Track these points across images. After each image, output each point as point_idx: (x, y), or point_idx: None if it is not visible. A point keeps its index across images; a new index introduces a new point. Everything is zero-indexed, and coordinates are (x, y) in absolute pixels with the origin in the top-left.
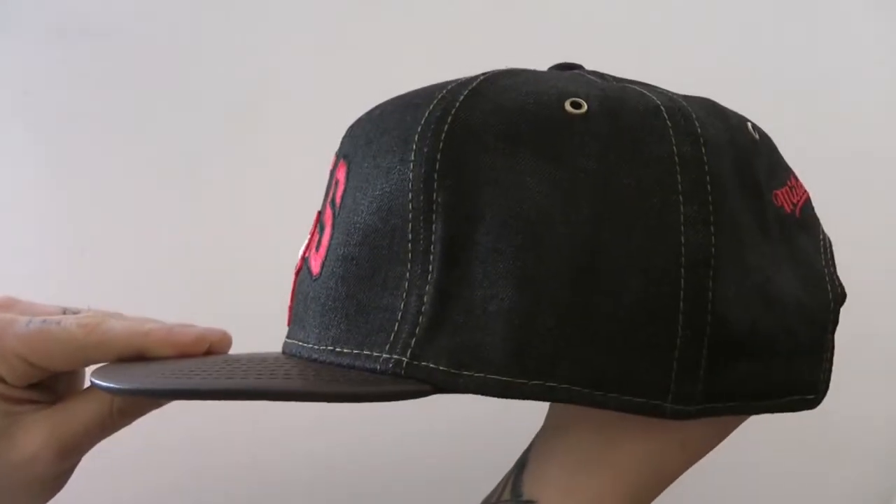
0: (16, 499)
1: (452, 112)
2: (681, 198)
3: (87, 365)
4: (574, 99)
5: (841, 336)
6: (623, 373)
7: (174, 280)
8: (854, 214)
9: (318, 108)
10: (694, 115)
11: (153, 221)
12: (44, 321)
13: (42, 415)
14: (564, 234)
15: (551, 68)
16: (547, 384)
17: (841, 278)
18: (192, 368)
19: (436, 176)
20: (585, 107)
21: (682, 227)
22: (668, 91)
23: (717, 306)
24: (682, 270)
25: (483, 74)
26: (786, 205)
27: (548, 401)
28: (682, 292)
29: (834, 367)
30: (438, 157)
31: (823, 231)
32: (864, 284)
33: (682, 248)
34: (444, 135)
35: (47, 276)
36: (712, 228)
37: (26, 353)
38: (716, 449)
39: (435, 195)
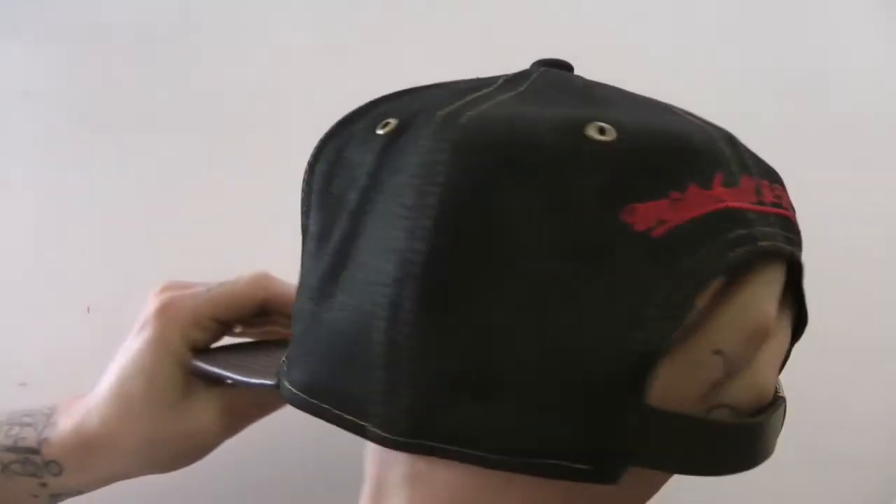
0: (174, 465)
1: None
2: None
3: (261, 314)
4: None
5: (841, 336)
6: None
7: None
8: (854, 214)
9: (319, 109)
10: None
11: (153, 221)
12: (220, 285)
13: (216, 390)
14: None
15: (534, 64)
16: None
17: (841, 278)
18: None
19: None
20: None
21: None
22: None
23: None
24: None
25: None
26: (641, 223)
27: None
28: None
29: (834, 368)
30: None
31: (714, 265)
32: (864, 285)
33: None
34: None
35: (47, 276)
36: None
37: (217, 313)
38: None
39: None
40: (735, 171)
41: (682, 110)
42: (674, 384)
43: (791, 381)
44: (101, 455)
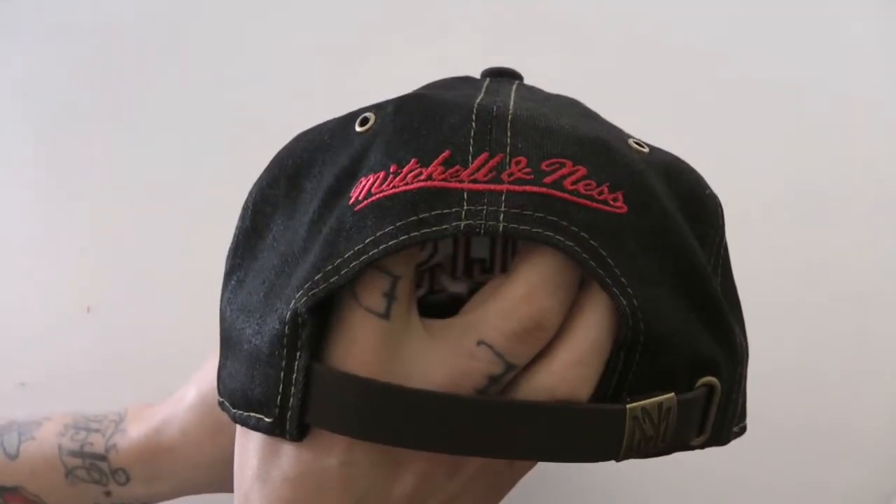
0: None
1: None
2: None
3: None
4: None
5: (841, 336)
6: None
7: (175, 280)
8: (854, 215)
9: (321, 108)
10: None
11: (154, 221)
12: None
13: None
14: None
15: (483, 73)
16: None
17: (841, 278)
18: None
19: None
20: None
21: None
22: None
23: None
24: None
25: None
26: (354, 195)
27: None
28: None
29: (834, 368)
30: None
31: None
32: (864, 285)
33: None
34: None
35: (47, 276)
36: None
37: None
38: (713, 448)
39: None
40: (471, 149)
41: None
42: (396, 356)
43: (792, 380)
44: (174, 465)
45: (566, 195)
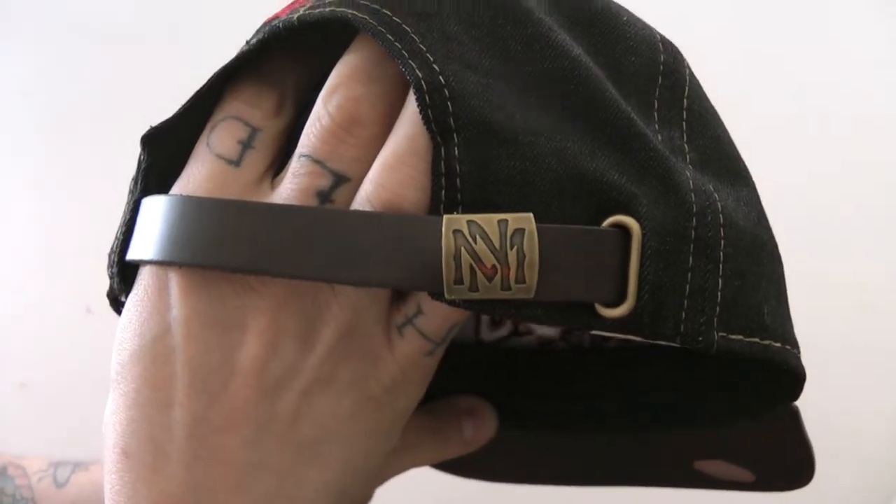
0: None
1: None
2: None
3: None
4: None
5: (841, 335)
6: None
7: None
8: (854, 215)
9: None
10: None
11: None
12: None
13: None
14: None
15: None
16: None
17: (841, 278)
18: None
19: None
20: None
21: None
22: None
23: None
24: None
25: None
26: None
27: None
28: None
29: (834, 367)
30: None
31: None
32: (864, 285)
33: None
34: None
35: (47, 276)
36: None
37: None
38: None
39: None
40: None
41: None
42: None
43: None
44: None
45: None
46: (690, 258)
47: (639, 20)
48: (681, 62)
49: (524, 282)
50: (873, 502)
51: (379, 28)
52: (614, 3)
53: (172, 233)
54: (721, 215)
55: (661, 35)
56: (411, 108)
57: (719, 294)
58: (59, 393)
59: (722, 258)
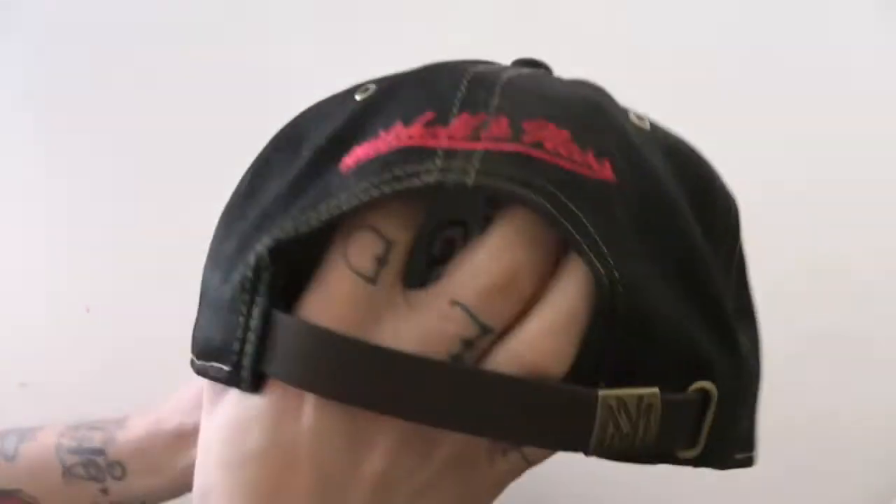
0: None
1: None
2: None
3: None
4: None
5: (841, 336)
6: None
7: (175, 280)
8: (854, 216)
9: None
10: None
11: (155, 221)
12: None
13: None
14: None
15: (514, 63)
16: None
17: (842, 278)
18: None
19: None
20: None
21: None
22: None
23: None
24: None
25: None
26: (347, 162)
27: None
28: None
29: (834, 367)
30: None
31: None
32: (864, 285)
33: None
34: None
35: (47, 276)
36: None
37: None
38: None
39: None
40: (455, 110)
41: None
42: (374, 320)
43: (792, 380)
44: (171, 460)
45: (544, 155)
46: (738, 409)
47: (721, 181)
48: (736, 217)
49: (646, 443)
50: (873, 502)
51: (554, 213)
52: (712, 165)
53: (318, 365)
54: (754, 369)
55: (731, 194)
56: (575, 282)
57: (743, 431)
58: (59, 393)
59: (754, 403)
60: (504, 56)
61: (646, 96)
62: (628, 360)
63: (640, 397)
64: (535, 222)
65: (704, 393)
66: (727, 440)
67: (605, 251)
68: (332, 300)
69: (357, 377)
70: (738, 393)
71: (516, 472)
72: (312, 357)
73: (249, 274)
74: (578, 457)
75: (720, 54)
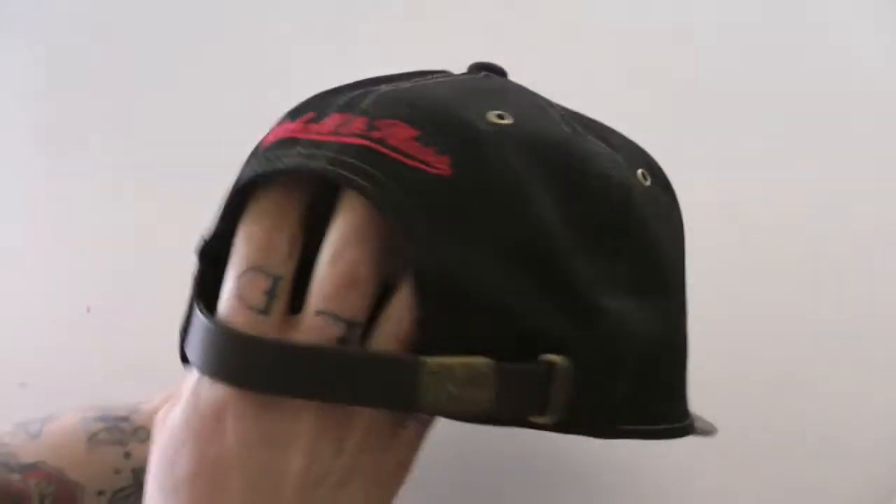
0: None
1: None
2: None
3: None
4: None
5: (842, 336)
6: None
7: (175, 280)
8: (854, 216)
9: None
10: None
11: (154, 221)
12: None
13: None
14: None
15: (471, 66)
16: None
17: (841, 278)
18: None
19: None
20: None
21: None
22: None
23: None
24: None
25: None
26: (262, 144)
27: None
28: None
29: (834, 367)
30: None
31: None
32: (864, 285)
33: None
34: None
35: (47, 277)
36: None
37: None
38: (714, 448)
39: None
40: (330, 111)
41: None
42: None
43: (792, 380)
44: None
45: (386, 150)
46: (603, 377)
47: (602, 167)
48: (621, 199)
49: (488, 407)
50: (873, 502)
51: (385, 202)
52: (593, 154)
53: (229, 361)
54: (633, 336)
55: (617, 179)
56: (408, 269)
57: (620, 399)
58: (59, 393)
59: (627, 372)
60: (505, 54)
61: (646, 96)
62: (455, 333)
63: (467, 364)
64: (367, 215)
65: (550, 364)
66: (598, 410)
67: (426, 236)
68: (234, 325)
69: (260, 366)
70: (603, 364)
71: (417, 440)
72: (213, 348)
73: (195, 268)
74: (579, 461)
75: (720, 54)
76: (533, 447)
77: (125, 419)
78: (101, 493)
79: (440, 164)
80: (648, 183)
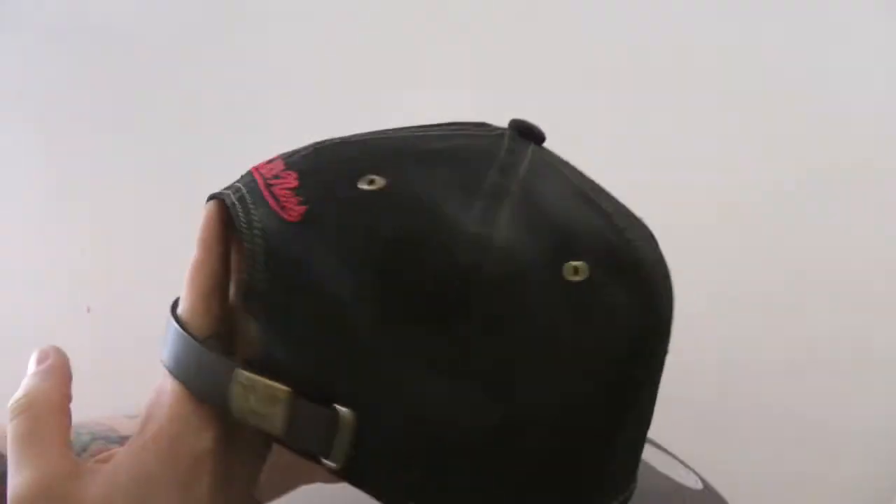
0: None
1: None
2: None
3: None
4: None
5: (842, 336)
6: None
7: (175, 280)
8: (854, 220)
9: (320, 108)
10: None
11: (154, 221)
12: None
13: None
14: None
15: (509, 124)
16: None
17: (843, 279)
18: None
19: None
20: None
21: None
22: None
23: None
24: None
25: None
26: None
27: None
28: None
29: (834, 366)
30: None
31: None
32: (865, 287)
33: None
34: None
35: (47, 276)
36: None
37: None
38: (714, 449)
39: None
40: (282, 157)
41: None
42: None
43: (792, 379)
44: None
45: (266, 192)
46: (386, 444)
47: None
48: (457, 276)
49: (283, 433)
50: (873, 502)
51: (243, 230)
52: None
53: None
54: (424, 416)
55: (456, 259)
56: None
57: (413, 476)
58: None
59: (418, 450)
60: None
61: (645, 95)
62: (267, 358)
63: (269, 387)
64: (217, 221)
65: (336, 412)
66: (380, 473)
67: (263, 267)
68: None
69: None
70: (389, 431)
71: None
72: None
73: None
74: None
75: (720, 54)
76: None
77: None
78: None
79: (293, 213)
80: (579, 278)
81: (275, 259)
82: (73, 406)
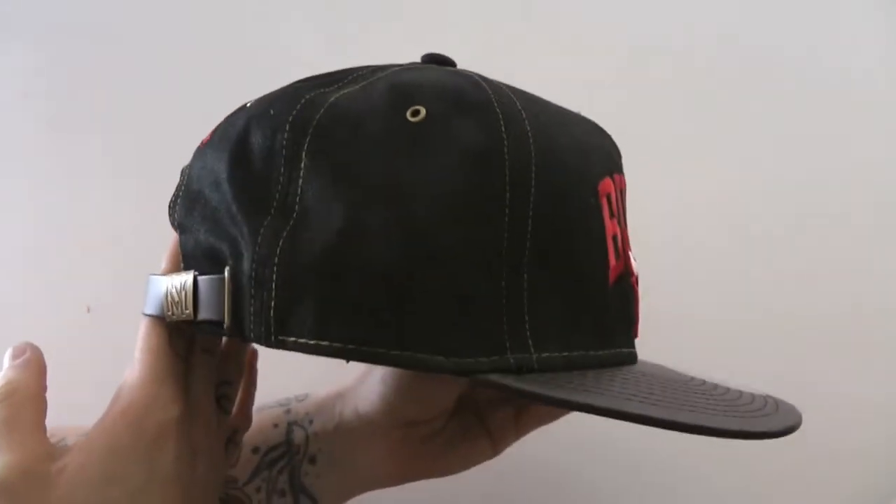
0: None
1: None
2: None
3: None
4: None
5: (842, 337)
6: None
7: None
8: (854, 219)
9: None
10: None
11: (153, 221)
12: None
13: None
14: None
15: (423, 58)
16: None
17: (843, 280)
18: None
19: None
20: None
21: None
22: None
23: None
24: None
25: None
26: None
27: None
28: None
29: (834, 367)
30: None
31: None
32: (865, 286)
33: None
34: None
35: (47, 276)
36: None
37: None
38: (713, 448)
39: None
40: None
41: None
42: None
43: (792, 380)
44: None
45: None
46: (252, 290)
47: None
48: (277, 142)
49: (193, 315)
50: (873, 502)
51: None
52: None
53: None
54: (277, 257)
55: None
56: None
57: (272, 311)
58: (59, 393)
59: (273, 287)
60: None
61: (645, 96)
62: (189, 253)
63: (180, 276)
64: None
65: (222, 276)
66: (255, 314)
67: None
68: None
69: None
70: (250, 276)
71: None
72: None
73: None
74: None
75: (719, 54)
76: (532, 452)
77: (288, 401)
78: (255, 449)
79: (206, 138)
80: (418, 118)
81: (185, 182)
82: (72, 406)
